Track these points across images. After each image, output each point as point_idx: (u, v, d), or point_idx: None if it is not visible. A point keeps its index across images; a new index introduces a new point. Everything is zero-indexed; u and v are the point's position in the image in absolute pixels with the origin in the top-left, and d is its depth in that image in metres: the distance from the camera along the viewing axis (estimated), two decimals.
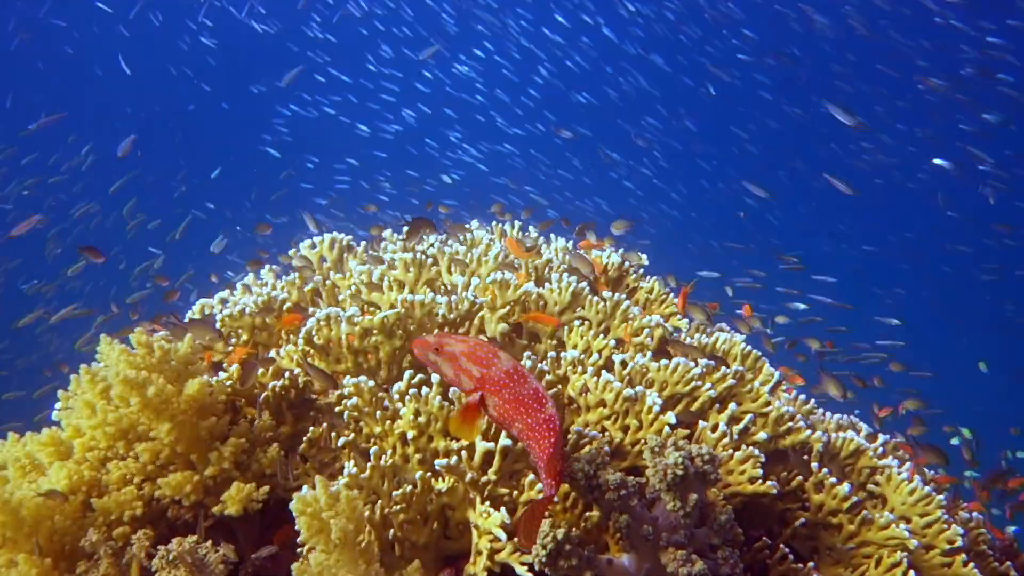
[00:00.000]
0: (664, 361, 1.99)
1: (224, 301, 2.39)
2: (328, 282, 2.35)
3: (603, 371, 1.90)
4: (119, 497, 1.71)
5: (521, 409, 1.49)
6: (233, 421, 1.87)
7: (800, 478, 2.05)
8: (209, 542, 1.54)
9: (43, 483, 1.68)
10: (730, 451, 1.89)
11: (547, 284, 2.20)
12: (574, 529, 1.56)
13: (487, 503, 1.63)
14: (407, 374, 1.82)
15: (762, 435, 2.00)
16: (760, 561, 1.88)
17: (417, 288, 2.20)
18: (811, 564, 1.91)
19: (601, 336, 2.08)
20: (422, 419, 1.75)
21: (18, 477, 1.80)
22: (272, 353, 2.04)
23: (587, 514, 1.70)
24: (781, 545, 1.88)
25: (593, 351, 2.03)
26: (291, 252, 2.60)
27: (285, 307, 2.19)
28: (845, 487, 1.97)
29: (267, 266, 2.47)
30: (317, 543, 1.45)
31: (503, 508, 1.58)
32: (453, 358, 1.50)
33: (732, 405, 2.04)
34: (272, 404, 1.90)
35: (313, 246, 2.57)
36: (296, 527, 1.53)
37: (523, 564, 1.56)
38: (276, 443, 1.83)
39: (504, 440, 1.66)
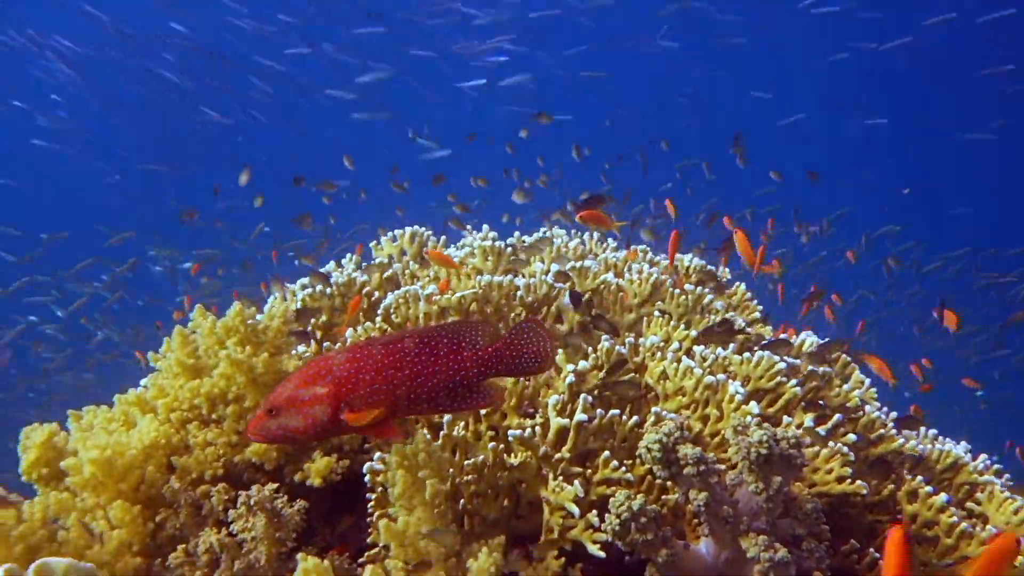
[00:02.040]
0: (747, 355, 1.92)
1: (304, 286, 2.44)
2: (407, 271, 2.37)
3: (684, 358, 1.84)
4: (200, 456, 1.74)
5: (390, 371, 1.33)
6: None
7: (892, 487, 1.93)
8: (285, 497, 1.55)
9: (133, 434, 1.72)
10: (816, 448, 1.80)
11: (626, 275, 2.17)
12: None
13: (560, 479, 1.59)
14: None
15: (852, 436, 1.89)
16: (847, 567, 1.77)
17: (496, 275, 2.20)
18: None
19: (682, 327, 2.03)
20: None
21: (105, 433, 1.86)
22: (349, 332, 2.06)
23: (663, 497, 1.63)
24: (871, 550, 1.76)
25: (673, 340, 1.98)
26: (372, 244, 2.65)
27: (364, 290, 2.22)
28: (942, 497, 1.84)
29: (349, 254, 2.52)
30: (409, 498, 1.44)
31: (577, 482, 1.53)
32: (292, 401, 1.30)
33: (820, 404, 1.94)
34: None
35: (394, 239, 2.61)
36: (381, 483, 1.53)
37: (596, 543, 1.51)
38: None
39: (580, 415, 1.62)
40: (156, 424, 1.74)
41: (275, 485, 1.52)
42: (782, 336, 2.34)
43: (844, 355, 2.30)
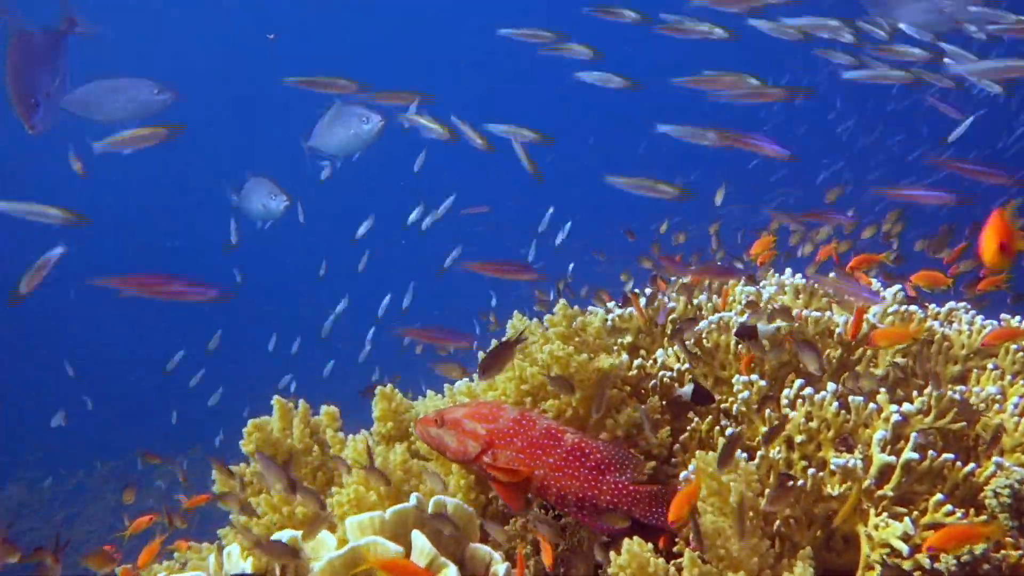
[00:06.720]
0: None
1: (610, 310, 2.59)
2: (711, 303, 2.44)
3: None
4: None
5: (538, 451, 1.47)
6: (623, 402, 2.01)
7: None
8: None
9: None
10: None
11: (954, 325, 2.06)
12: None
13: (884, 515, 1.55)
14: (797, 383, 1.82)
15: None
16: None
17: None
18: None
19: (1021, 383, 1.88)
20: (813, 424, 1.73)
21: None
22: (660, 353, 2.16)
23: (1003, 552, 1.52)
24: None
25: (1011, 396, 1.84)
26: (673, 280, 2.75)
27: (671, 317, 2.32)
28: None
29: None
30: (713, 503, 1.50)
31: (908, 519, 1.49)
32: (456, 424, 1.49)
33: None
34: (660, 392, 2.01)
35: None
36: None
37: None
38: (667, 427, 1.92)
39: (910, 453, 1.57)
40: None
41: None
42: None
43: None
